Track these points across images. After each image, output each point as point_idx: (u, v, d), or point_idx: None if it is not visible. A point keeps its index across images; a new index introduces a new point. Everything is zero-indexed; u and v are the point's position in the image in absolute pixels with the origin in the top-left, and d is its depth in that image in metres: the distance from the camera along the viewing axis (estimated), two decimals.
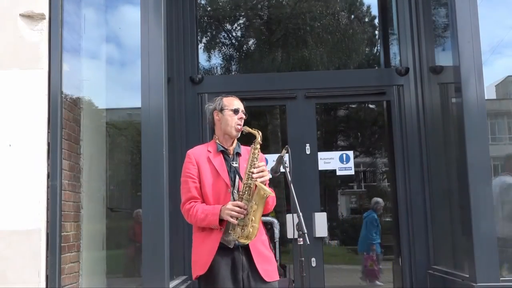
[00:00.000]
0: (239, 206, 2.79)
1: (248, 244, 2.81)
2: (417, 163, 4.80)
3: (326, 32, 7.58)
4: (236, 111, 2.98)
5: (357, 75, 5.48)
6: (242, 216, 2.78)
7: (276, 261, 3.68)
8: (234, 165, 2.95)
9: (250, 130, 2.96)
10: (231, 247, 2.86)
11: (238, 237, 2.80)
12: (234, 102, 3.02)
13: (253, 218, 2.80)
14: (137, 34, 3.59)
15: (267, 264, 2.89)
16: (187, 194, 2.95)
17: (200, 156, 2.99)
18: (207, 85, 5.12)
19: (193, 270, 2.96)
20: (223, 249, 2.85)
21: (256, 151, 2.89)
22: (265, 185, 2.83)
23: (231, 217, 2.77)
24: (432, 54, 4.83)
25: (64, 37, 3.67)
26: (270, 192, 2.79)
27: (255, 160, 2.87)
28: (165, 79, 3.57)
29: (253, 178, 2.81)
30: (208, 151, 3.00)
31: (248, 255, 2.85)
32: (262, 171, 2.82)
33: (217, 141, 3.03)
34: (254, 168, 2.84)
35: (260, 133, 2.92)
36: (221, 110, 3.01)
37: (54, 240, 3.39)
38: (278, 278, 2.93)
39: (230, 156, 3.00)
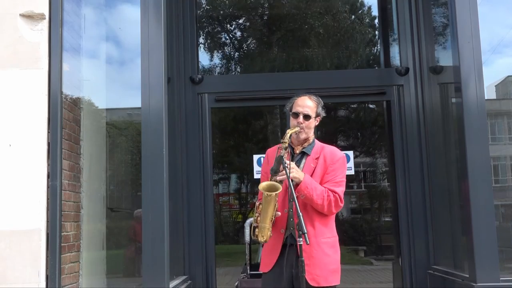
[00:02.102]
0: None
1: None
2: (417, 163, 4.80)
3: (326, 32, 7.58)
4: (295, 115, 3.02)
5: (357, 75, 5.48)
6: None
7: None
8: (290, 164, 2.87)
9: (289, 133, 2.96)
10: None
11: (256, 237, 2.87)
12: (299, 103, 3.05)
13: (259, 218, 2.86)
14: (137, 34, 3.59)
15: (316, 268, 2.87)
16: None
17: (273, 154, 3.08)
18: (207, 85, 5.12)
19: (261, 266, 3.07)
20: (283, 245, 2.94)
21: (277, 156, 2.90)
22: (295, 187, 2.82)
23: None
24: (432, 54, 4.83)
25: (64, 37, 3.66)
26: (279, 188, 2.79)
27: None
28: (165, 79, 3.57)
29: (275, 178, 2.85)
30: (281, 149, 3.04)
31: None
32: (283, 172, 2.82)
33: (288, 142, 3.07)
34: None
35: (287, 135, 2.92)
36: (290, 110, 3.09)
37: (54, 240, 3.39)
38: (326, 284, 2.89)
39: (295, 155, 3.02)
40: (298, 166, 3.00)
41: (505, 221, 4.90)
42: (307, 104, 3.03)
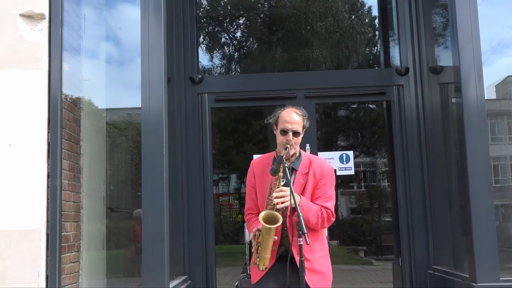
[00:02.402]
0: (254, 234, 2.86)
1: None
2: (417, 163, 4.80)
3: (326, 32, 7.58)
4: (284, 132, 2.93)
5: (357, 75, 5.48)
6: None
7: None
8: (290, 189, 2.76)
9: (283, 155, 2.86)
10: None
11: (256, 265, 2.85)
12: (286, 119, 2.93)
13: (260, 248, 2.82)
14: (137, 34, 3.59)
15: (313, 274, 2.85)
16: (246, 203, 3.13)
17: (259, 167, 3.05)
18: (207, 85, 5.12)
19: (252, 276, 3.03)
20: (279, 257, 2.91)
21: (278, 156, 2.86)
22: (292, 211, 2.72)
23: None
24: (432, 54, 4.83)
25: (64, 37, 3.67)
26: (279, 219, 2.73)
27: (275, 184, 2.83)
28: (165, 79, 3.57)
29: (273, 204, 2.77)
30: (268, 162, 3.00)
31: (294, 265, 2.79)
32: (281, 197, 2.75)
33: (275, 154, 3.02)
34: (274, 192, 2.79)
35: (284, 154, 2.84)
36: (276, 124, 3.01)
37: (54, 240, 3.39)
38: None
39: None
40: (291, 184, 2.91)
41: (505, 221, 4.90)
42: (295, 120, 2.93)
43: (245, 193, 3.20)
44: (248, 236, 4.95)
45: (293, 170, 2.99)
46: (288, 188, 2.74)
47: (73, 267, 3.78)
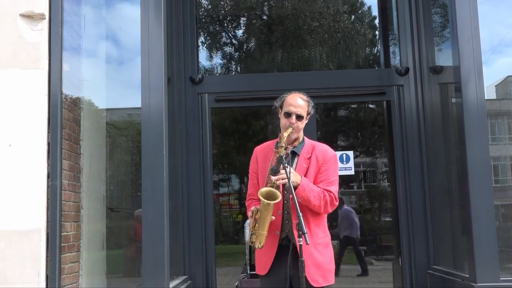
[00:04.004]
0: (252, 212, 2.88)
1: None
2: (417, 163, 4.80)
3: (326, 32, 7.58)
4: (287, 115, 2.96)
5: (357, 75, 5.48)
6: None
7: None
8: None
9: (285, 136, 2.92)
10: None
11: (252, 243, 2.86)
12: (291, 102, 2.98)
13: (257, 225, 2.83)
14: (137, 34, 3.59)
15: (316, 268, 2.87)
16: (248, 190, 3.16)
17: (262, 153, 3.07)
18: (207, 85, 5.12)
19: (256, 268, 3.06)
20: (279, 247, 2.93)
21: (277, 155, 2.86)
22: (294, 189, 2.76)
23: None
24: (432, 54, 4.83)
25: (64, 37, 3.67)
26: (278, 196, 2.76)
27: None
28: (165, 79, 3.57)
29: (272, 182, 2.80)
30: (271, 148, 3.02)
31: (295, 255, 2.81)
32: (280, 176, 2.78)
33: (278, 138, 3.03)
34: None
35: (284, 138, 2.89)
36: (281, 108, 3.04)
37: (54, 240, 3.39)
38: (326, 284, 2.91)
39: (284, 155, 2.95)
40: (291, 166, 2.96)
41: (505, 221, 4.91)
42: (299, 104, 2.97)
43: (245, 193, 3.20)
44: (248, 236, 4.97)
45: (295, 154, 3.02)
46: (287, 170, 2.75)
47: (73, 267, 3.78)
